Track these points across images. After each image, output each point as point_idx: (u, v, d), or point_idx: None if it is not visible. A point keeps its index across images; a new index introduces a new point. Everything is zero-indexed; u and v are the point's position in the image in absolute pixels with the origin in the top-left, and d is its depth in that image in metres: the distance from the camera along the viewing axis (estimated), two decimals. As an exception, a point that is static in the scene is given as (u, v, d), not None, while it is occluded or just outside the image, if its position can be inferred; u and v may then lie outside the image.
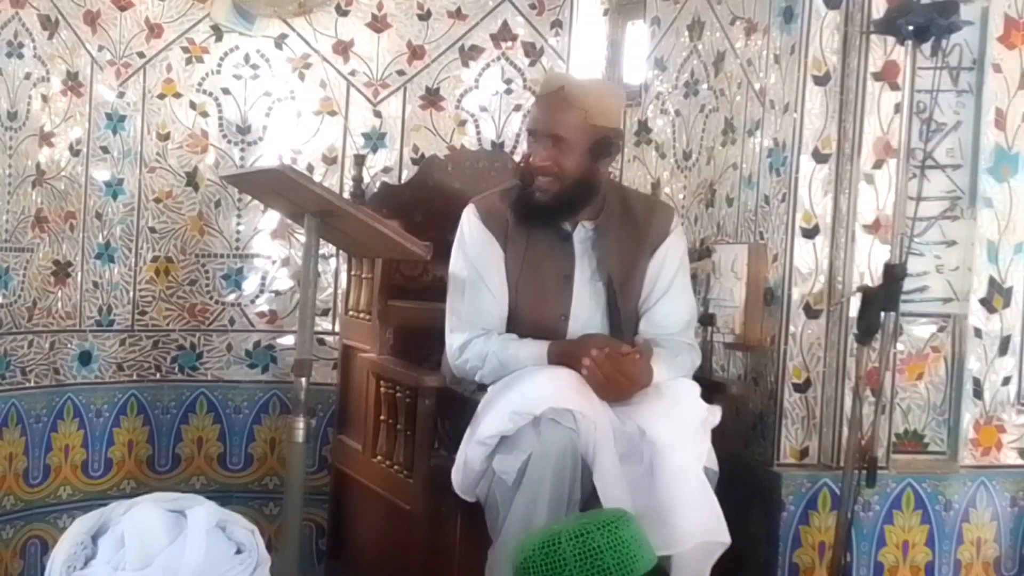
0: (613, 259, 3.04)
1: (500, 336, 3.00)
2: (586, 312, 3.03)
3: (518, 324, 3.02)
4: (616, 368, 2.81)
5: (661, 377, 2.90)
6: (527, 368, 2.89)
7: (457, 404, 3.03)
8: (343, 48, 4.12)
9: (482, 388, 2.96)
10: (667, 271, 3.08)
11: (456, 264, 3.09)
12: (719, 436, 2.86)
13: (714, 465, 2.79)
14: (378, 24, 4.13)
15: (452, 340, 3.05)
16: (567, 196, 2.99)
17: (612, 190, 3.15)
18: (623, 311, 3.03)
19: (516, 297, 3.04)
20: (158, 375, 4.05)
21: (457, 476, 2.84)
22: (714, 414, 2.86)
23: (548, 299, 3.03)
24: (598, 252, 3.05)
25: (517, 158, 4.04)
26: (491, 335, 3.00)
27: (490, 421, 2.77)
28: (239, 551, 2.27)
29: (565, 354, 2.89)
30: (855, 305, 3.04)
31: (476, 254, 3.05)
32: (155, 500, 2.34)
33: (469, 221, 3.09)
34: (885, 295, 2.92)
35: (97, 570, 2.20)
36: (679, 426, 2.76)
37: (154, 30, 4.01)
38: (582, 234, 3.06)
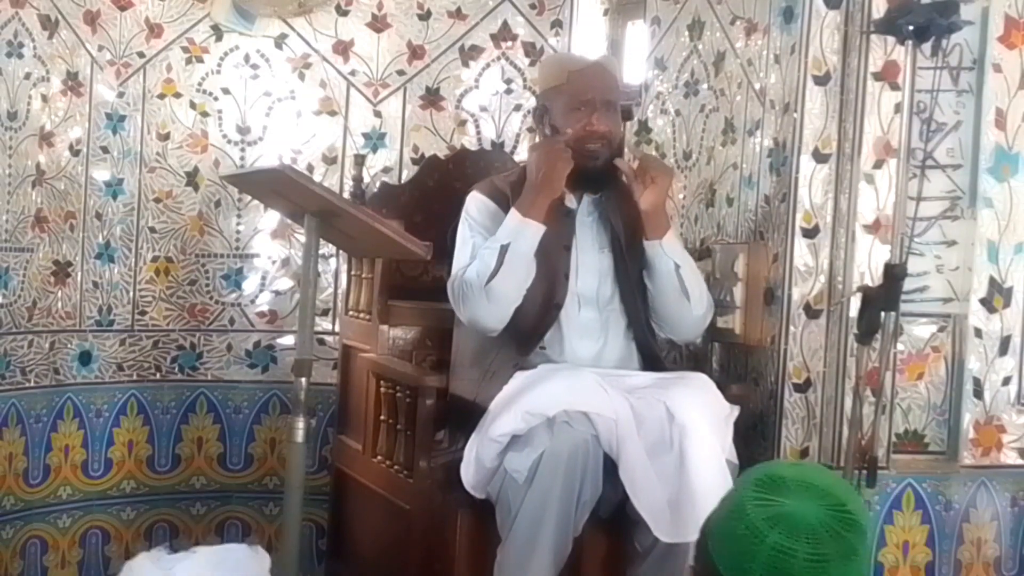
0: (617, 227, 3.10)
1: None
2: (594, 281, 3.06)
3: None
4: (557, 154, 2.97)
5: (675, 246, 3.04)
6: (545, 368, 2.90)
7: (461, 402, 3.04)
8: (343, 48, 4.12)
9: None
10: None
11: (461, 235, 3.13)
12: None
13: (734, 458, 2.84)
14: (378, 24, 4.13)
15: (450, 283, 3.07)
16: (610, 161, 3.09)
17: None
18: (626, 276, 3.07)
19: None
20: (158, 375, 4.05)
21: (468, 472, 2.85)
22: (734, 411, 2.92)
23: (549, 263, 3.04)
24: (603, 222, 3.12)
25: (518, 158, 4.07)
26: None
27: (504, 419, 2.78)
28: None
29: (525, 196, 2.98)
30: (855, 305, 3.04)
31: (481, 221, 3.11)
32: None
33: (474, 198, 3.17)
34: (885, 295, 2.92)
35: None
36: (707, 413, 2.81)
37: (154, 30, 4.01)
38: (586, 206, 3.12)
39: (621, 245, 3.09)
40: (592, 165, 3.06)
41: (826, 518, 1.92)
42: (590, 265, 3.07)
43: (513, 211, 2.99)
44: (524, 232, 2.96)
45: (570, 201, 3.11)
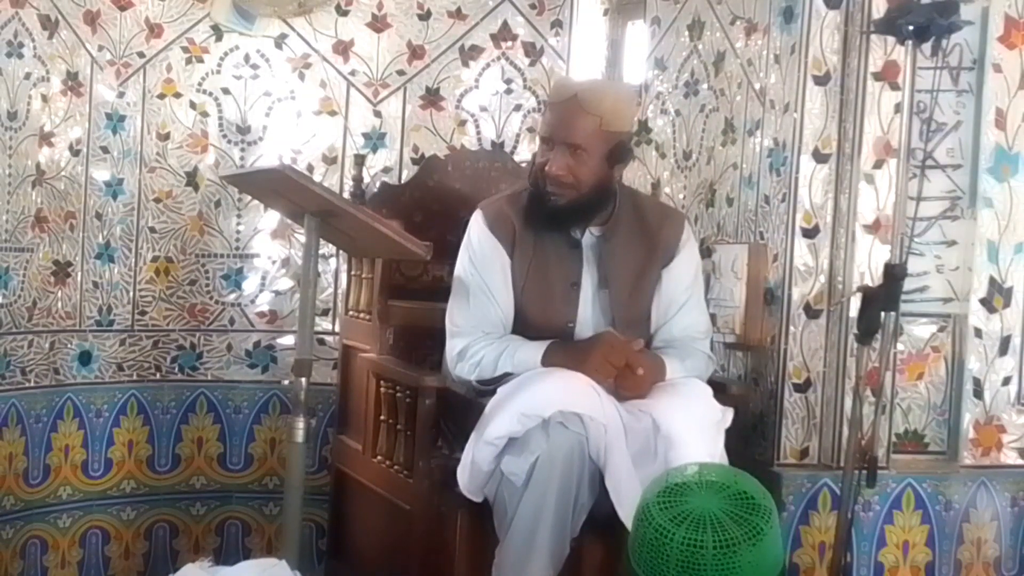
0: (617, 265, 3.02)
1: (500, 337, 2.99)
2: (593, 320, 3.01)
3: (524, 331, 3.00)
4: (626, 360, 2.82)
5: (674, 372, 2.93)
6: (537, 371, 2.88)
7: (459, 404, 3.03)
8: (343, 48, 4.12)
9: (481, 394, 2.95)
10: (681, 285, 3.07)
11: (461, 269, 3.07)
12: (719, 436, 2.86)
13: (726, 464, 2.80)
14: (378, 24, 4.13)
15: (452, 345, 3.03)
16: (583, 203, 2.97)
17: (624, 195, 3.10)
18: (621, 318, 3.00)
19: (522, 304, 3.01)
20: (158, 375, 4.05)
21: (464, 476, 2.84)
22: (727, 415, 2.87)
23: (554, 306, 3.00)
24: (604, 258, 3.02)
25: (518, 158, 4.06)
26: (491, 337, 2.99)
27: (499, 422, 2.76)
28: None
29: (565, 356, 2.88)
30: (855, 305, 3.05)
31: (481, 260, 3.02)
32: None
33: (477, 227, 3.06)
34: (885, 295, 2.92)
35: None
36: (694, 422, 2.78)
37: (154, 30, 4.01)
38: (590, 240, 3.04)
39: (614, 283, 3.02)
40: (552, 205, 2.95)
41: (728, 506, 1.97)
42: (593, 304, 3.01)
43: (539, 354, 2.89)
44: (535, 364, 2.90)
45: (575, 232, 3.02)
